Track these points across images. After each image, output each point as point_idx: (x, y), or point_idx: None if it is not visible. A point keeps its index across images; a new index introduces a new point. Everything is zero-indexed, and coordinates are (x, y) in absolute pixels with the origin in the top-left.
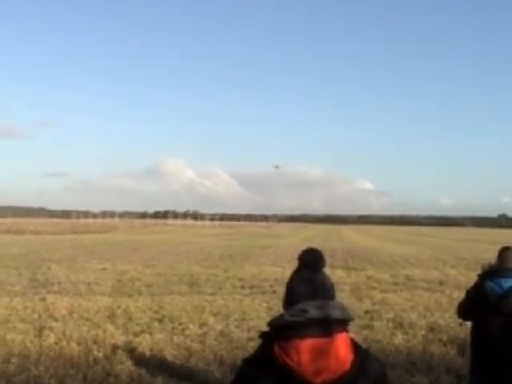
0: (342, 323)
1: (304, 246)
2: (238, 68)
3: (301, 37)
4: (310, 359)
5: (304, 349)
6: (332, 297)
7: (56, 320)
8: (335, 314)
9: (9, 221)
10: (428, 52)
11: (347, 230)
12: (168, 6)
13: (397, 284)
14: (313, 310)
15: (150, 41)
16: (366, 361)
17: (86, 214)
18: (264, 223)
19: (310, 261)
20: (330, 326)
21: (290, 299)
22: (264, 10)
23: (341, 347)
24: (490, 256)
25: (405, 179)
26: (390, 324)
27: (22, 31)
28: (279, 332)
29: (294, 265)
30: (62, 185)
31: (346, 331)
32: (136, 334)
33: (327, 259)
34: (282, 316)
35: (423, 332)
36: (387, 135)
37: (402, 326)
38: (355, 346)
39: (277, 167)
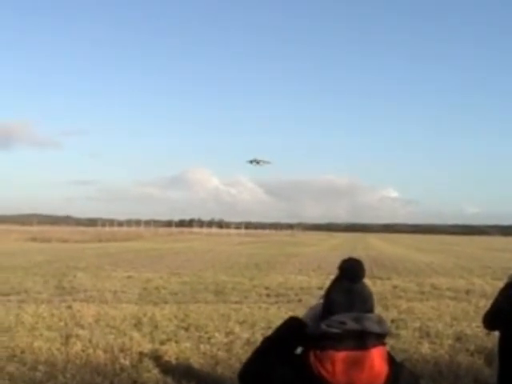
0: (379, 337)
1: (329, 255)
2: (262, 77)
3: (323, 44)
4: (344, 371)
5: (339, 360)
6: (371, 308)
7: (82, 328)
8: (372, 327)
9: (35, 229)
10: (455, 59)
11: (373, 239)
12: (195, 16)
13: (423, 293)
14: (350, 323)
15: (176, 52)
16: (400, 375)
17: (111, 222)
18: (289, 232)
19: (350, 271)
20: (366, 339)
21: (328, 309)
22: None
23: (376, 360)
24: None
25: (431, 188)
26: (417, 333)
27: (49, 42)
28: (315, 341)
29: (320, 273)
30: (88, 193)
31: (383, 344)
32: (162, 342)
33: None
34: (318, 325)
35: (450, 341)
36: (413, 143)
37: (428, 335)
38: (391, 360)
39: (256, 163)
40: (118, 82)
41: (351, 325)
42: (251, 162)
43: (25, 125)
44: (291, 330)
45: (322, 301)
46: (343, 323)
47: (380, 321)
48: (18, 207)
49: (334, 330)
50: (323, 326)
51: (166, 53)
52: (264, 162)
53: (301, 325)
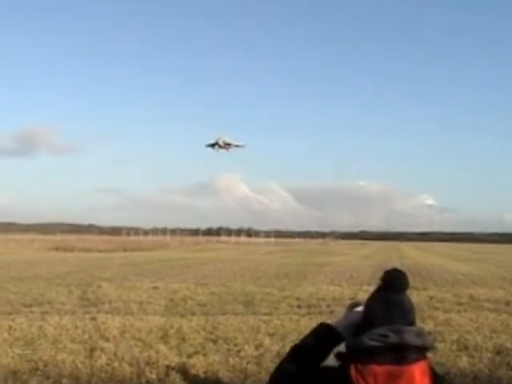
0: (420, 350)
1: (362, 264)
2: (292, 83)
3: (359, 43)
4: None
5: (381, 375)
6: (412, 321)
7: (107, 340)
8: (412, 340)
9: (58, 238)
10: (497, 60)
11: (407, 248)
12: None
13: (460, 304)
14: (392, 336)
15: (201, 59)
16: None
17: (136, 231)
18: (320, 240)
19: (393, 282)
20: (406, 352)
21: (368, 320)
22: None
23: (417, 375)
24: None
25: (469, 194)
26: (454, 346)
27: (72, 45)
28: (356, 354)
29: (352, 283)
30: (113, 201)
31: (425, 358)
32: (190, 356)
33: None
34: (361, 339)
35: (489, 355)
36: (449, 148)
37: (466, 348)
38: (432, 374)
39: (219, 147)
40: (141, 86)
41: (393, 338)
42: (212, 145)
43: (46, 130)
44: (322, 337)
45: (359, 309)
46: (385, 336)
47: (420, 333)
48: (40, 216)
49: (376, 344)
50: (365, 340)
51: (191, 55)
52: (233, 145)
53: (332, 332)
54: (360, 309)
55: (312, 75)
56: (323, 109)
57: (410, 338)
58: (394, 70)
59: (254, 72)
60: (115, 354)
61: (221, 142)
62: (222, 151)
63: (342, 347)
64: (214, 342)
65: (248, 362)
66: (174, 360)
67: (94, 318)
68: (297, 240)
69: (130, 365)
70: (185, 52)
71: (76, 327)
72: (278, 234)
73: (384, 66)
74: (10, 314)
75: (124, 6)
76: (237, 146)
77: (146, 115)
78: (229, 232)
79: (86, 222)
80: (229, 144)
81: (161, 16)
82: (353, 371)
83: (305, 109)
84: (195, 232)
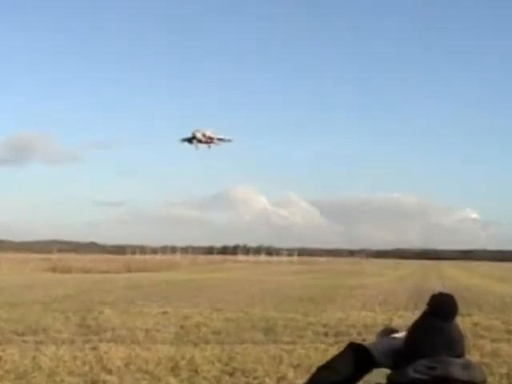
0: None
1: (398, 286)
2: (314, 90)
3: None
4: None
5: None
6: (461, 353)
7: (110, 373)
8: (458, 374)
9: (54, 257)
10: None
11: (448, 267)
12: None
13: (510, 332)
14: (438, 368)
15: (209, 66)
16: None
17: (142, 249)
18: (350, 259)
19: (441, 308)
20: None
21: (412, 350)
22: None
23: None
24: None
25: None
26: (504, 381)
27: (80, 53)
28: None
29: (386, 308)
30: (116, 215)
31: None
32: None
33: (425, 300)
34: (405, 370)
35: None
36: (493, 158)
37: None
38: None
39: (199, 141)
40: (147, 94)
41: (439, 370)
42: (189, 140)
43: (41, 137)
44: (353, 359)
45: (396, 335)
46: (433, 368)
47: (468, 366)
48: (35, 232)
49: (421, 376)
50: (410, 372)
51: (201, 58)
52: (215, 139)
53: (365, 354)
54: (397, 335)
55: (333, 82)
56: (348, 115)
57: (456, 371)
58: (425, 78)
59: (269, 78)
60: None
61: (199, 136)
62: (203, 146)
63: (377, 377)
64: (231, 374)
65: None
66: None
67: (94, 348)
68: (323, 259)
69: None
70: (193, 58)
71: (75, 358)
72: (302, 252)
73: (413, 73)
74: (0, 343)
75: (124, 10)
76: (220, 139)
77: (150, 120)
78: (247, 250)
79: (86, 239)
80: (210, 138)
81: (164, 19)
82: None
83: (328, 119)
84: (209, 250)
